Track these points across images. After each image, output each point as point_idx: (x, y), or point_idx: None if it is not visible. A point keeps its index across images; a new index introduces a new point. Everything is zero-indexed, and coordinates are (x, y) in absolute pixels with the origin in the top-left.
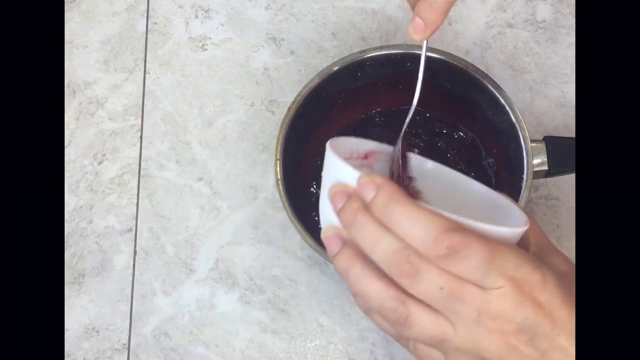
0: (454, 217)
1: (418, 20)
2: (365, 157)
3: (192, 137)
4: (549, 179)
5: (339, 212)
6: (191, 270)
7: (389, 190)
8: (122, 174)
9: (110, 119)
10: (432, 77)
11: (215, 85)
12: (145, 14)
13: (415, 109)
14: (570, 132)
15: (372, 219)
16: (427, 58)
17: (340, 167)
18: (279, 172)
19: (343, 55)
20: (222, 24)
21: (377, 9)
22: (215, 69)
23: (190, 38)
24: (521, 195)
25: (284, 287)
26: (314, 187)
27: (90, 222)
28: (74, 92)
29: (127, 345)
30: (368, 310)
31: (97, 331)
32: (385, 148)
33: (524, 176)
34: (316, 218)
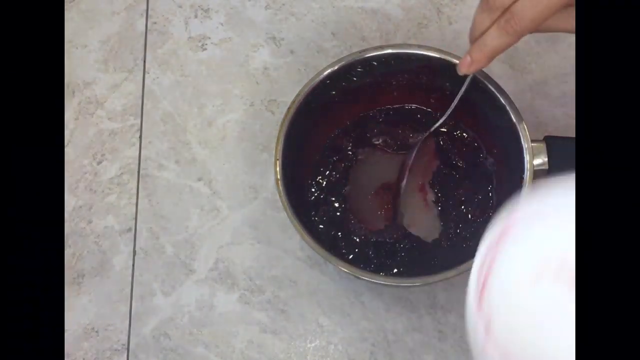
0: None
1: (467, 58)
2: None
3: (192, 137)
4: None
5: None
6: (191, 270)
7: None
8: (122, 173)
9: (109, 118)
10: (432, 77)
11: (215, 85)
12: (145, 14)
13: (417, 108)
14: (570, 132)
15: None
16: (428, 58)
17: None
18: (278, 172)
19: (343, 55)
20: (222, 24)
21: (377, 8)
22: (214, 69)
23: (189, 38)
24: (522, 195)
25: (283, 288)
26: (314, 187)
27: (90, 222)
28: (73, 92)
29: (126, 346)
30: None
31: (97, 331)
32: None
33: (524, 176)
34: (316, 218)
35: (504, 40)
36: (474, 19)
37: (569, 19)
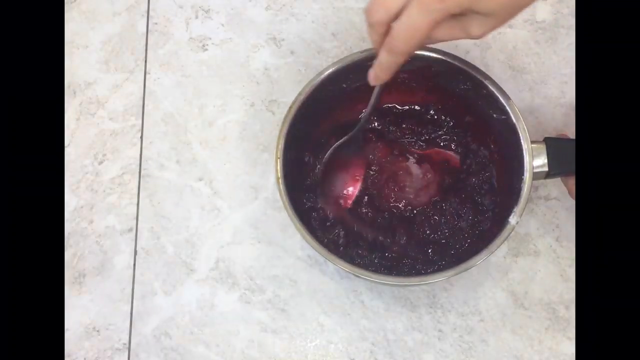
0: None
1: (371, 73)
2: None
3: (193, 137)
4: (548, 179)
5: None
6: (191, 270)
7: None
8: (123, 174)
9: (110, 119)
10: (433, 78)
11: (216, 86)
12: (146, 14)
13: (418, 106)
14: (570, 132)
15: None
16: (429, 58)
17: None
18: (279, 171)
19: (343, 55)
20: (223, 24)
21: None
22: (215, 69)
23: (190, 38)
24: (521, 196)
25: (284, 287)
26: (314, 187)
27: (91, 222)
28: (75, 92)
29: (127, 345)
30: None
31: (98, 331)
32: None
33: (524, 177)
34: (316, 217)
35: (393, 59)
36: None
37: (452, 30)
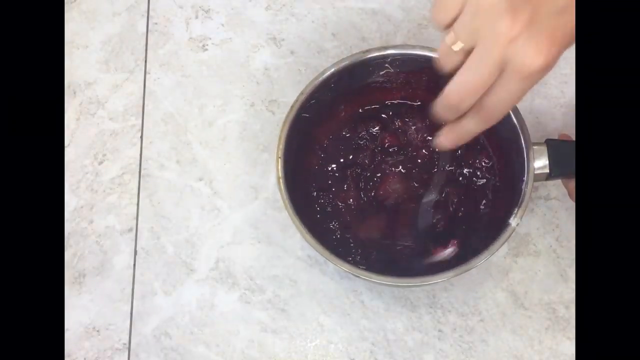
0: None
1: (442, 138)
2: None
3: (193, 137)
4: (549, 181)
5: None
6: (191, 270)
7: None
8: (123, 174)
9: (110, 119)
10: (434, 78)
11: (216, 85)
12: (146, 14)
13: (419, 106)
14: (570, 132)
15: None
16: (429, 58)
17: None
18: (280, 171)
19: (343, 56)
20: (223, 24)
21: (377, 9)
22: (215, 69)
23: (190, 38)
24: (522, 197)
25: (284, 287)
26: (314, 187)
27: (91, 222)
28: (75, 92)
29: (127, 345)
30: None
31: (98, 331)
32: None
33: (525, 178)
34: (318, 216)
35: (480, 127)
36: (436, 112)
37: None
